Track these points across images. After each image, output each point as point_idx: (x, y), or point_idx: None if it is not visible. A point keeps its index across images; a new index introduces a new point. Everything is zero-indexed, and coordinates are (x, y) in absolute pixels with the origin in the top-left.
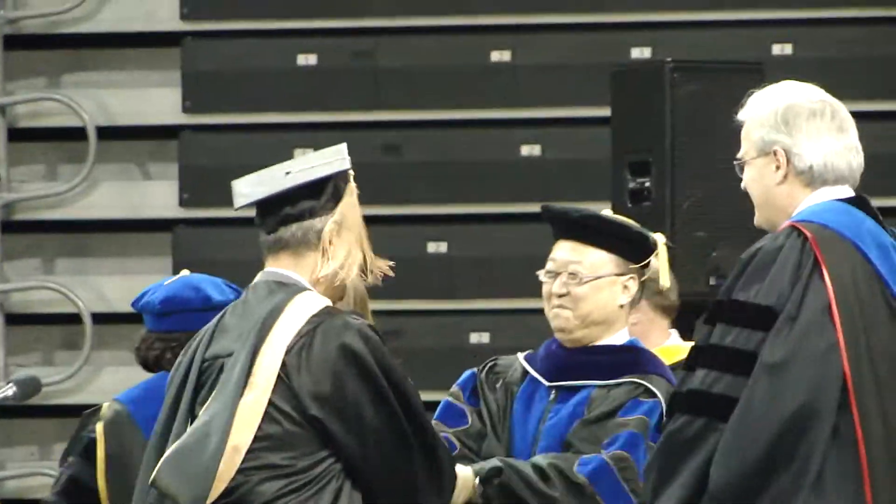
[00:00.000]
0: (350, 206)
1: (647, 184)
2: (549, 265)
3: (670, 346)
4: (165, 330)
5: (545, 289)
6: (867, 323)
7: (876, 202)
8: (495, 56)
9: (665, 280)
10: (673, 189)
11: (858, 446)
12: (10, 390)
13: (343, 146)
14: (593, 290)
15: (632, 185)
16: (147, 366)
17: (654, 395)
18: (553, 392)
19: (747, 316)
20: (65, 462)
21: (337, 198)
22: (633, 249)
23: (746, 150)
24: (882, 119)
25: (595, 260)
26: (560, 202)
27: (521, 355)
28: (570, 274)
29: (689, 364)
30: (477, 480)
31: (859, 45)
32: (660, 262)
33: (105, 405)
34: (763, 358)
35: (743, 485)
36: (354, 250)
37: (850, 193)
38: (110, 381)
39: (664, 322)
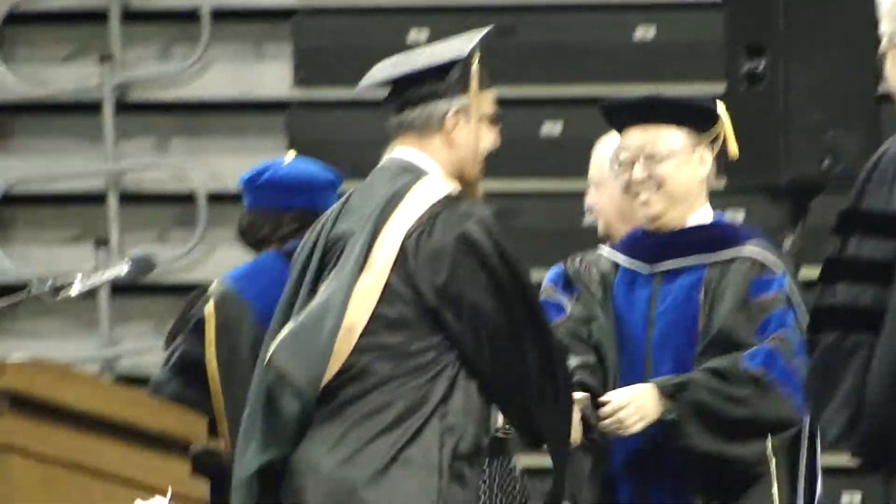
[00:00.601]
0: (478, 95)
1: (762, 67)
2: (623, 155)
3: None
4: (279, 206)
5: (623, 180)
6: None
7: None
8: None
9: (733, 147)
10: (787, 71)
11: None
12: (124, 268)
13: (476, 34)
14: (675, 167)
15: (746, 67)
16: (257, 244)
17: (772, 269)
18: (657, 277)
19: (881, 224)
20: (172, 341)
21: (464, 83)
22: (700, 119)
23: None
24: None
25: (669, 136)
26: (673, 85)
27: (604, 249)
28: (648, 156)
29: (827, 277)
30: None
31: None
32: (726, 130)
33: (213, 283)
34: None
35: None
36: (479, 140)
37: None
38: (224, 258)
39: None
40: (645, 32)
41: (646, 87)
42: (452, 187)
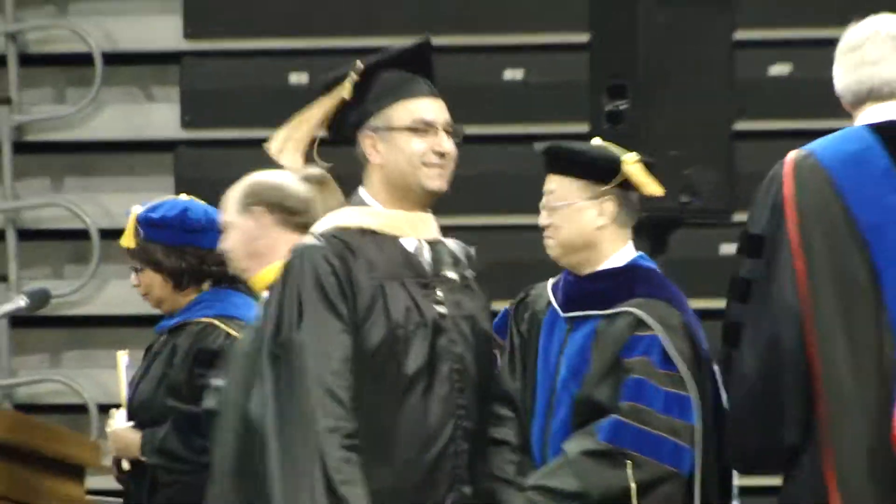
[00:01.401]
0: (384, 111)
1: (623, 107)
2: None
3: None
4: (206, 246)
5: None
6: (833, 253)
7: None
8: None
9: (650, 191)
10: (647, 112)
11: (813, 366)
12: (21, 301)
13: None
14: (565, 217)
15: (609, 107)
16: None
17: (646, 329)
18: (568, 322)
19: (748, 245)
20: (190, 376)
21: (371, 106)
22: (598, 171)
23: None
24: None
25: (562, 188)
26: (540, 124)
27: (550, 283)
28: (548, 205)
29: (729, 295)
30: None
31: None
32: (636, 177)
33: (212, 321)
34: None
35: (742, 410)
36: (403, 151)
37: (891, 114)
38: (116, 293)
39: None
40: (514, 74)
41: (516, 126)
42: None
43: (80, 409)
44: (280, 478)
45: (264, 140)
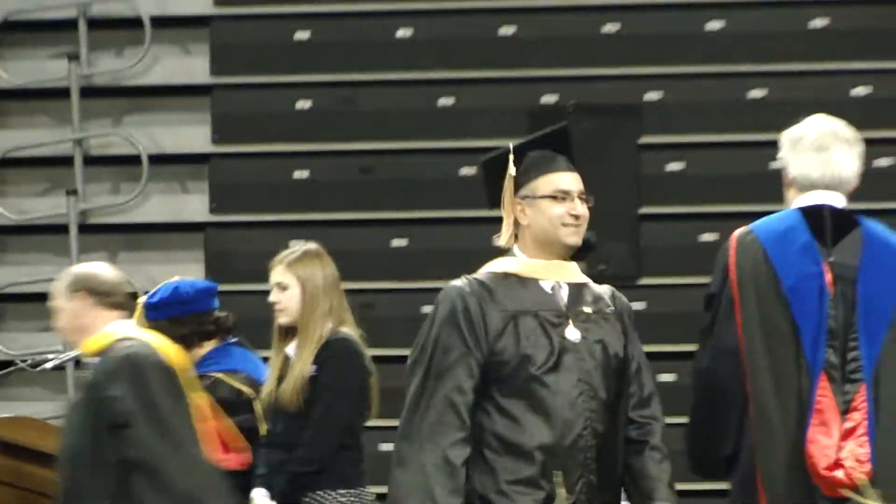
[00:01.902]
0: (533, 182)
1: None
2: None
3: None
4: (200, 310)
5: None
6: (762, 307)
7: None
8: (442, 101)
9: None
10: (609, 227)
11: (747, 394)
12: None
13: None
14: None
15: None
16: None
17: None
18: None
19: (706, 301)
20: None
21: (522, 179)
22: None
23: None
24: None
25: None
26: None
27: None
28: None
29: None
30: None
31: (715, 91)
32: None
33: (222, 377)
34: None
35: (692, 427)
36: (547, 216)
37: (821, 200)
38: None
39: None
40: (469, 171)
41: (473, 211)
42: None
43: None
44: (399, 478)
45: (276, 223)
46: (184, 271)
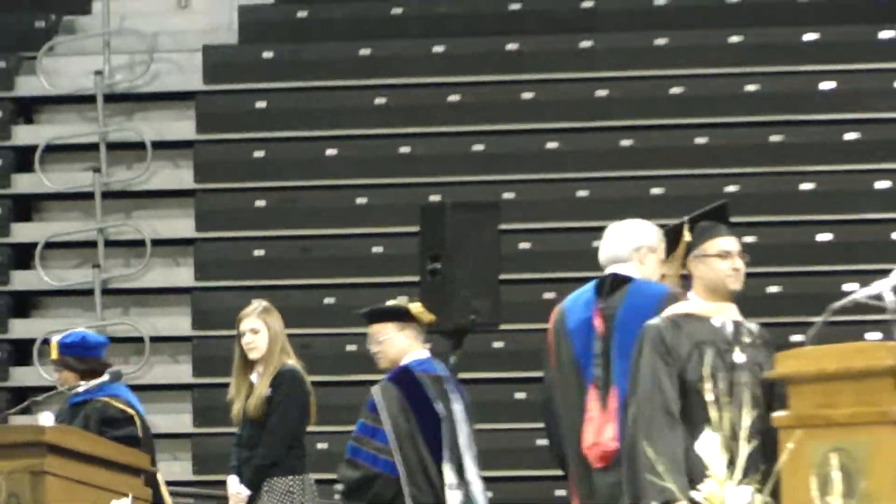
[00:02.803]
0: (701, 245)
1: (438, 267)
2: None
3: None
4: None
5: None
6: (559, 347)
7: None
8: (359, 201)
9: (427, 318)
10: (451, 269)
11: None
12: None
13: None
14: (386, 344)
15: (430, 267)
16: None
17: (372, 394)
18: None
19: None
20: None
21: (694, 242)
22: (397, 314)
23: None
24: None
25: (378, 328)
26: (395, 276)
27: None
28: (375, 341)
29: None
30: None
31: (551, 192)
32: (417, 314)
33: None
34: None
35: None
36: (712, 271)
37: (611, 270)
38: None
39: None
40: (378, 249)
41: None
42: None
43: None
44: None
45: (241, 288)
46: (176, 323)
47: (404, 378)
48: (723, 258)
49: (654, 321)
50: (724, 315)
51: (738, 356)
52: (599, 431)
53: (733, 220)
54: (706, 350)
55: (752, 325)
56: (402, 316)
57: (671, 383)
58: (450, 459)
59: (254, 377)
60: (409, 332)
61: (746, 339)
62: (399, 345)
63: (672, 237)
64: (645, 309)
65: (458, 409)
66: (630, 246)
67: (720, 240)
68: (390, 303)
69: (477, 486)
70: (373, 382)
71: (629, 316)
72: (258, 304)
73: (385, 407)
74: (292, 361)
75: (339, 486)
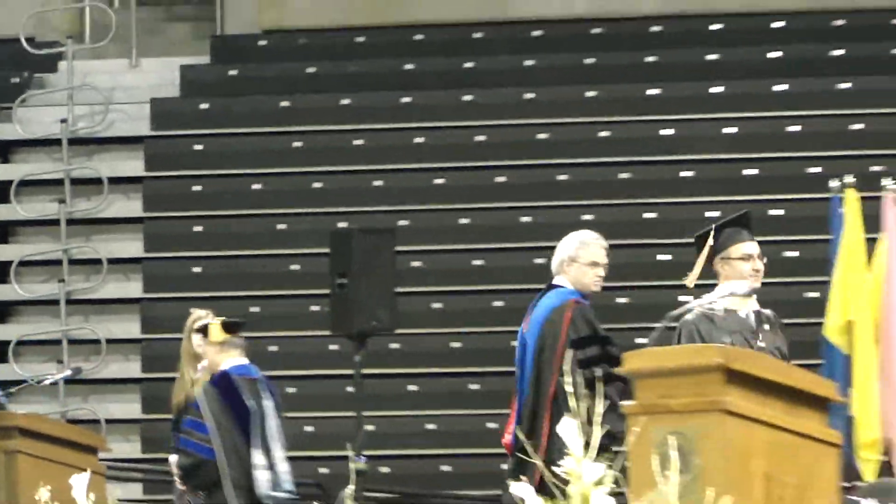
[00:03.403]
0: (725, 249)
1: (346, 282)
2: (746, 255)
3: None
4: None
5: (747, 267)
6: None
7: None
8: (280, 227)
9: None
10: (357, 285)
11: None
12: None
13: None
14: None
15: (338, 282)
16: None
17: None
18: None
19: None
20: None
21: (719, 246)
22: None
23: None
24: None
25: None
26: (310, 289)
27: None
28: (760, 258)
29: None
30: None
31: (438, 220)
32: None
33: None
34: None
35: None
36: (737, 271)
37: (552, 282)
38: None
39: None
40: (295, 266)
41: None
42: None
43: None
44: None
45: (182, 298)
46: (128, 328)
47: (222, 381)
48: (745, 260)
49: (689, 316)
50: (747, 308)
51: (760, 342)
52: (507, 428)
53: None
54: (736, 337)
55: (768, 312)
56: (204, 331)
57: None
58: (259, 446)
59: (199, 370)
60: (226, 344)
61: (766, 326)
62: (214, 355)
63: (699, 242)
64: (544, 313)
65: (268, 405)
66: (556, 260)
67: (743, 245)
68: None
69: (282, 468)
70: (292, 376)
71: (533, 321)
72: (206, 313)
73: (206, 405)
74: None
75: (177, 471)
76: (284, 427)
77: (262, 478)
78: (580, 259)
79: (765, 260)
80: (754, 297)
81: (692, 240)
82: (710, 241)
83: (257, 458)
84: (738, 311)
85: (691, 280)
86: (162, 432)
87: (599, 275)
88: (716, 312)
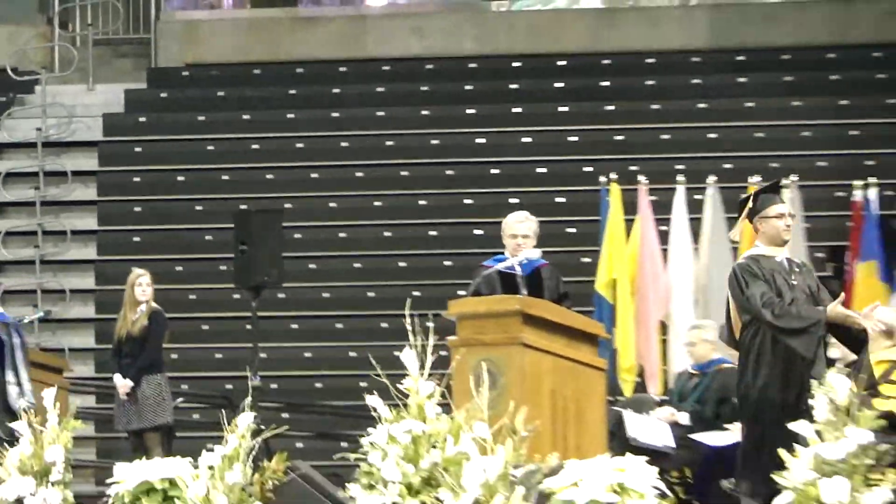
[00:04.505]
0: (763, 212)
1: (246, 248)
2: (780, 213)
3: None
4: None
5: (781, 223)
6: None
7: None
8: (198, 207)
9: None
10: (254, 251)
11: None
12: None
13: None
14: None
15: (240, 248)
16: None
17: None
18: None
19: None
20: None
21: (756, 209)
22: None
23: None
24: None
25: None
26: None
27: None
28: (791, 215)
29: None
30: None
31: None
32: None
33: None
34: None
35: None
36: (773, 228)
37: None
38: None
39: None
40: (209, 237)
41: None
42: (762, 249)
43: None
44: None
45: (126, 261)
46: (85, 282)
47: None
48: (779, 218)
49: (740, 260)
50: (781, 255)
51: (793, 281)
52: None
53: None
54: (777, 278)
55: (798, 260)
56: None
57: (766, 289)
58: (9, 367)
59: (138, 312)
60: None
61: (797, 269)
62: None
63: (741, 206)
64: (529, 267)
65: (17, 341)
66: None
67: (777, 206)
68: None
69: (27, 387)
70: (206, 317)
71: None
72: (143, 271)
73: None
74: (156, 305)
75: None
76: (197, 355)
77: (13, 392)
78: (504, 233)
79: (795, 216)
80: (786, 247)
81: (499, 219)
82: (750, 204)
83: (10, 377)
84: (776, 258)
85: (735, 234)
86: (109, 358)
87: (518, 244)
88: (761, 257)
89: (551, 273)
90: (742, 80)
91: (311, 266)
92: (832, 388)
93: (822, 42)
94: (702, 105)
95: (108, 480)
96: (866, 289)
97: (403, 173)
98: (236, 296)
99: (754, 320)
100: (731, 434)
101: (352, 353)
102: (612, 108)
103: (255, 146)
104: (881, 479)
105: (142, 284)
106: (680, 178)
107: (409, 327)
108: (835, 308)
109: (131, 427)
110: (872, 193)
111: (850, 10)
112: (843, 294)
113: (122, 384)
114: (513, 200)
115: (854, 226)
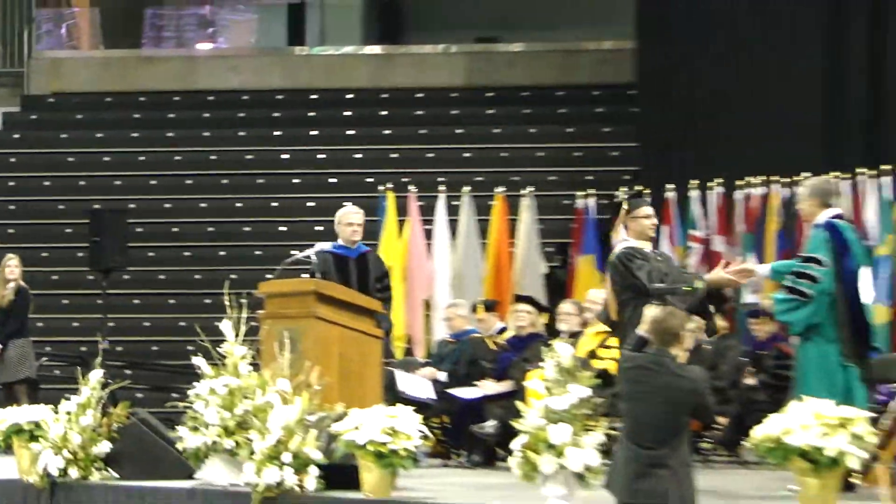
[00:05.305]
0: (632, 213)
1: (99, 240)
2: (646, 215)
3: None
4: None
5: (647, 223)
6: None
7: None
8: (61, 206)
9: None
10: (105, 241)
11: None
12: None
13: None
14: None
15: (93, 240)
16: None
17: None
18: None
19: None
20: None
21: (630, 210)
22: None
23: None
24: None
25: None
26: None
27: None
28: (654, 217)
29: None
30: None
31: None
32: None
33: None
34: None
35: None
36: (641, 226)
37: None
38: None
39: None
40: (69, 230)
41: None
42: (633, 242)
43: None
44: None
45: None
46: None
47: None
48: (646, 218)
49: (619, 251)
50: (648, 247)
51: (660, 264)
52: None
53: None
54: (651, 260)
55: (658, 251)
56: None
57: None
58: None
59: (8, 288)
60: None
61: (659, 257)
62: None
63: (616, 208)
64: (356, 251)
65: None
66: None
67: (644, 209)
68: None
69: None
70: (66, 294)
71: None
72: (14, 255)
73: None
74: (24, 283)
75: None
76: (58, 323)
77: None
78: (340, 223)
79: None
80: (650, 243)
81: (300, 219)
82: (625, 207)
83: None
84: (644, 248)
85: (615, 233)
86: None
87: (354, 230)
88: (635, 248)
89: (375, 257)
90: (490, 111)
91: (150, 254)
92: (558, 354)
93: (552, 83)
94: (459, 130)
95: None
96: (586, 276)
97: (224, 181)
98: (90, 277)
99: (630, 299)
100: (479, 389)
101: (181, 323)
102: (388, 132)
103: (105, 158)
104: (596, 425)
105: (10, 266)
106: (441, 188)
107: (227, 303)
108: (717, 273)
109: (1, 380)
110: (591, 202)
111: (573, 58)
112: (723, 261)
113: None
114: (310, 204)
115: (576, 227)
